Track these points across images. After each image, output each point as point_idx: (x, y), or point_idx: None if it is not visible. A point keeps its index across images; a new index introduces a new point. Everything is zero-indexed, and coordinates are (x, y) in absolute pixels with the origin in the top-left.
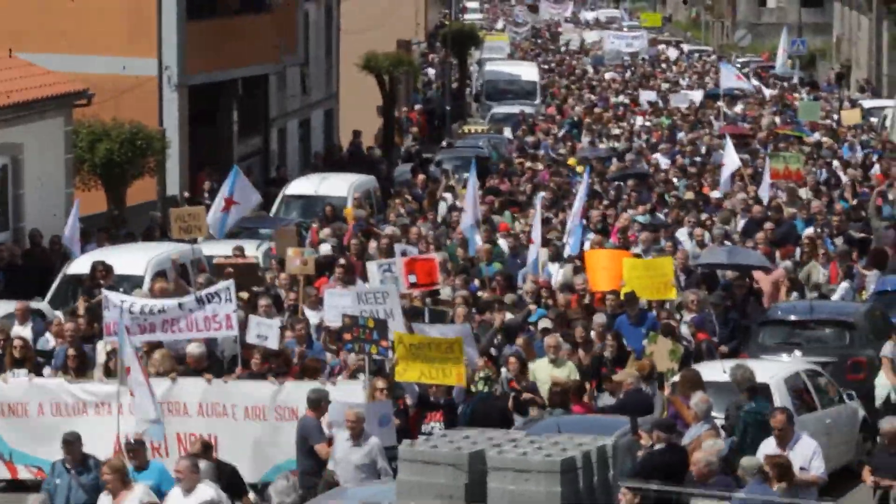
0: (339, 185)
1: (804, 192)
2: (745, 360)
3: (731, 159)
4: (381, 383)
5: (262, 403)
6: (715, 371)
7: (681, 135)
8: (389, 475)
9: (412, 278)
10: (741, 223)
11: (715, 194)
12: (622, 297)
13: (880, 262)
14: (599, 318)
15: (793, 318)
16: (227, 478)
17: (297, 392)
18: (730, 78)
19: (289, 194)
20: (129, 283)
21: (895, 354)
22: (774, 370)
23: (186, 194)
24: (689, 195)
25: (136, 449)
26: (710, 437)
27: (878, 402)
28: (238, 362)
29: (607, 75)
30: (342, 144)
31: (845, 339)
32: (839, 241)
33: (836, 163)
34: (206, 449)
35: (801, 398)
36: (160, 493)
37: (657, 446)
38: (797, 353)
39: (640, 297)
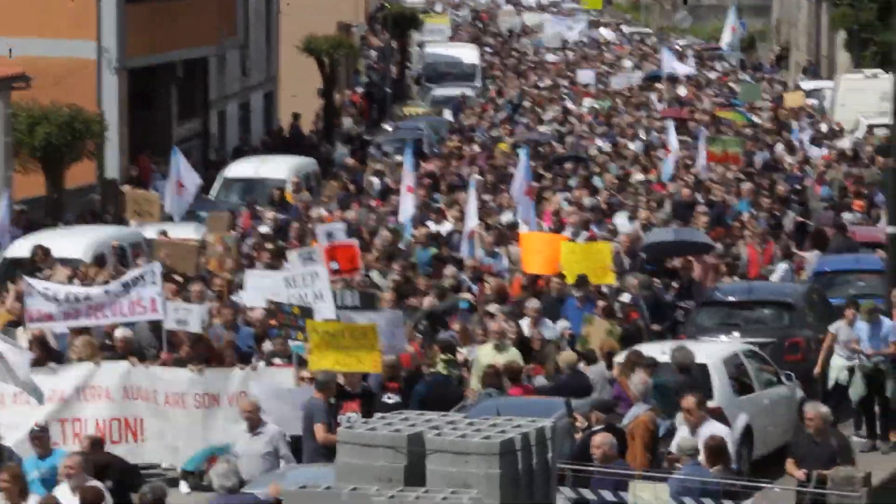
0: (278, 168)
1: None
2: (684, 341)
3: (673, 144)
4: (305, 371)
5: (182, 390)
6: (654, 352)
7: (620, 118)
8: (292, 462)
9: (334, 265)
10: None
11: (638, 178)
12: (571, 281)
13: (820, 243)
14: (533, 304)
15: (731, 298)
16: (118, 475)
17: (217, 380)
18: (670, 61)
19: (228, 177)
20: (70, 267)
21: (847, 335)
22: (713, 351)
23: (134, 173)
24: (638, 177)
25: (39, 436)
26: (649, 417)
27: (830, 383)
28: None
29: (548, 57)
30: (283, 127)
31: (784, 320)
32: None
33: (780, 146)
34: (95, 445)
35: (740, 379)
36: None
37: (596, 427)
38: (735, 333)
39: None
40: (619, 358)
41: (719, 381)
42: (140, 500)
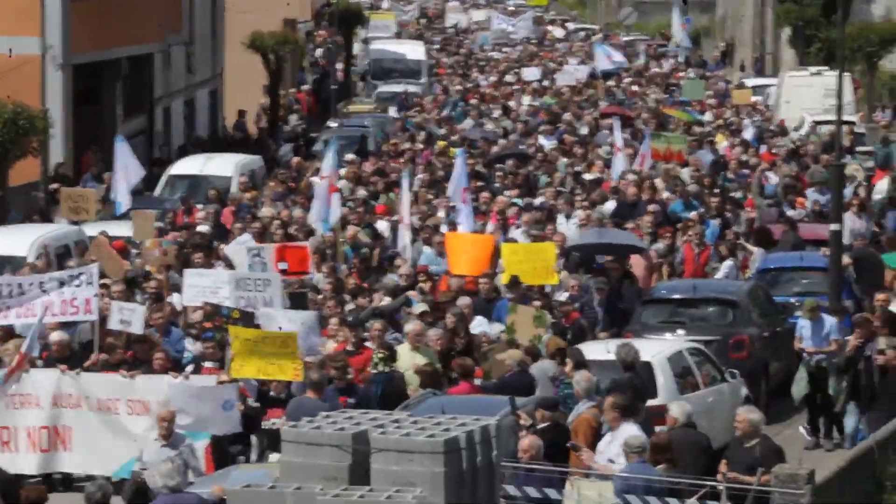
0: (224, 166)
1: (686, 173)
2: (629, 338)
3: (618, 142)
4: (224, 375)
5: (115, 396)
6: (598, 349)
7: (566, 115)
8: (201, 473)
9: (283, 265)
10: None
11: (588, 176)
12: (504, 282)
13: (763, 241)
14: (464, 301)
15: (676, 296)
16: (3, 487)
17: (148, 386)
18: (604, 59)
19: (173, 174)
20: (12, 265)
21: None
22: (657, 349)
23: (61, 171)
24: (588, 176)
25: None
26: (592, 414)
27: (797, 397)
28: (94, 349)
29: (495, 55)
30: (228, 124)
31: (728, 318)
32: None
33: (725, 143)
34: None
35: (684, 377)
36: None
37: (541, 425)
38: (680, 331)
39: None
40: None
41: (664, 379)
42: (87, 499)
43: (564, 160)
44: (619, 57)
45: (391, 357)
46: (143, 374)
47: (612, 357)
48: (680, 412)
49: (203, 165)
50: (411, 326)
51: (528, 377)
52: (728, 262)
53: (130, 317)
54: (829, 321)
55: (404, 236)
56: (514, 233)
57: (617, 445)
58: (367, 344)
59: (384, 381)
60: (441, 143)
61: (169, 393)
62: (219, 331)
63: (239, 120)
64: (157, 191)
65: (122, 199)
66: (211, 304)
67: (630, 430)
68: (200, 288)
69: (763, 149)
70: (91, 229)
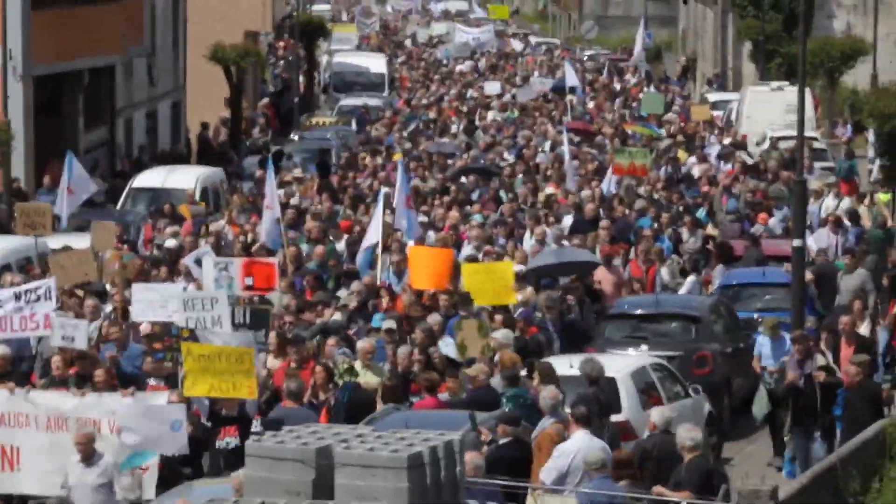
0: (186, 178)
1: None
2: (592, 353)
3: (567, 156)
4: (174, 395)
5: (65, 414)
6: (562, 364)
7: (526, 131)
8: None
9: (249, 280)
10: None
11: (548, 190)
12: (479, 302)
13: (725, 256)
14: (434, 318)
15: (639, 311)
16: None
17: (98, 404)
18: (573, 74)
19: (135, 187)
20: None
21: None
22: (621, 364)
23: (15, 186)
24: (548, 191)
25: None
26: (556, 430)
27: (758, 416)
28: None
29: (459, 67)
30: (190, 136)
31: (691, 333)
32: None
33: (692, 158)
34: None
35: (648, 392)
36: None
37: (502, 440)
38: (643, 346)
39: (479, 302)
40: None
41: (627, 394)
42: None
43: (525, 176)
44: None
45: (352, 368)
46: (92, 391)
47: (575, 372)
48: (659, 418)
49: (165, 178)
50: (363, 344)
51: (493, 392)
52: (690, 278)
53: (73, 332)
54: (788, 343)
55: (365, 252)
56: (466, 248)
57: (566, 458)
58: (324, 362)
59: (351, 389)
60: (396, 156)
61: (117, 411)
62: (168, 350)
63: (202, 132)
64: (119, 204)
65: (62, 213)
66: (159, 323)
67: (585, 442)
68: (148, 302)
69: (724, 165)
70: (54, 242)
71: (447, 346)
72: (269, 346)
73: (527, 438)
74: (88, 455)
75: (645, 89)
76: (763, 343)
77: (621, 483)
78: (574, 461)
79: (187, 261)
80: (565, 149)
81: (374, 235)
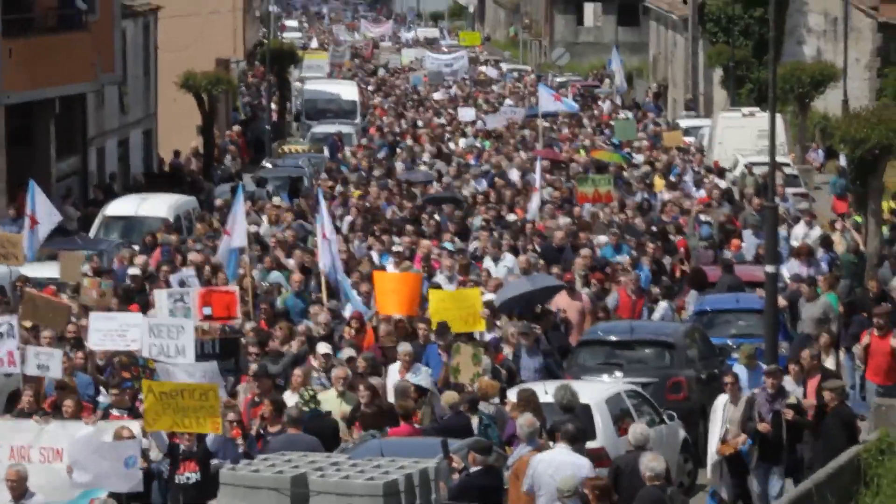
0: (159, 206)
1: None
2: (567, 380)
3: (537, 184)
4: (126, 431)
5: (27, 444)
6: (537, 391)
7: (496, 158)
8: None
9: (207, 310)
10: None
11: (510, 217)
12: (433, 327)
13: (698, 282)
14: (404, 348)
15: (613, 338)
16: None
17: (60, 433)
18: (548, 100)
19: (108, 215)
20: None
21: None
22: (595, 391)
23: None
24: (510, 217)
25: None
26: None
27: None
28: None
29: (434, 95)
30: (162, 164)
31: (665, 360)
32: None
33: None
34: None
35: (623, 419)
36: None
37: (473, 469)
38: (618, 373)
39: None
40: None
41: (602, 421)
42: None
43: (495, 204)
44: (566, 103)
45: (315, 397)
46: (56, 420)
47: (550, 399)
48: (636, 436)
49: (138, 207)
50: (338, 372)
51: (465, 419)
52: (663, 304)
53: (48, 361)
54: (742, 373)
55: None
56: (439, 278)
57: (543, 467)
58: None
59: (308, 419)
60: (356, 193)
61: (69, 449)
62: (136, 380)
63: (175, 160)
64: (92, 232)
65: (27, 247)
66: (125, 353)
67: (563, 456)
68: (106, 331)
69: (697, 192)
70: (31, 270)
71: (418, 376)
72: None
73: (498, 466)
74: (19, 495)
75: (619, 115)
76: (739, 371)
77: None
78: (546, 471)
79: (172, 281)
80: (536, 176)
81: (323, 264)
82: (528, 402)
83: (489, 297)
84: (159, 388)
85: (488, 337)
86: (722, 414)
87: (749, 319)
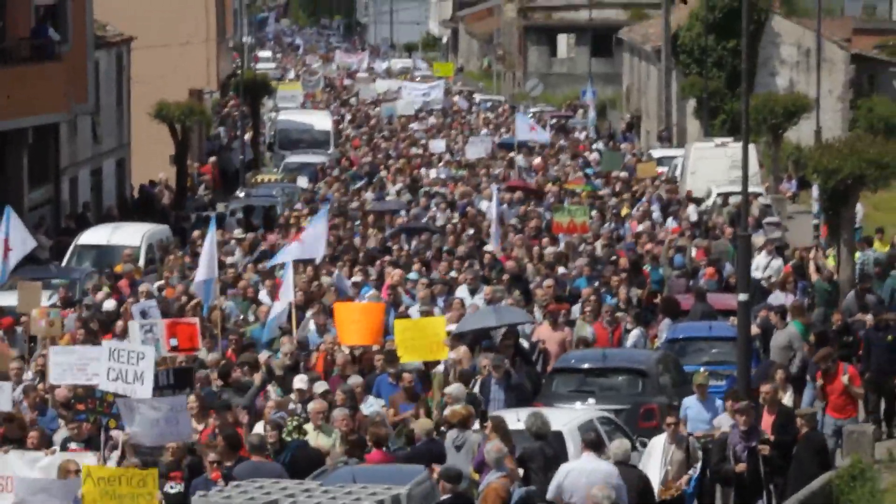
0: (131, 235)
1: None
2: (539, 408)
3: (493, 213)
4: (72, 465)
5: None
6: (510, 418)
7: (467, 188)
8: None
9: (173, 342)
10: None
11: (488, 247)
12: (408, 358)
13: (671, 311)
14: (355, 380)
15: (586, 365)
16: None
17: (12, 463)
18: (524, 130)
19: (81, 244)
20: None
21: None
22: (568, 418)
23: None
24: (488, 248)
25: None
26: (501, 484)
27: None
28: None
29: (412, 125)
30: (135, 194)
31: (638, 387)
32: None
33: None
34: None
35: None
36: None
37: (443, 497)
38: (590, 400)
39: (410, 358)
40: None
41: (574, 447)
42: None
43: (467, 234)
44: (542, 133)
45: (300, 427)
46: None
47: (521, 426)
48: (616, 450)
49: (111, 235)
50: (315, 405)
51: (439, 446)
52: (635, 332)
53: None
54: (717, 403)
55: (279, 311)
56: (411, 309)
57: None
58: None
59: (294, 448)
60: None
61: (16, 487)
62: (91, 413)
63: (147, 187)
64: (65, 261)
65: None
66: (83, 386)
67: (591, 463)
68: (67, 365)
69: (671, 221)
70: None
71: (370, 407)
72: (190, 409)
73: (469, 494)
74: None
75: (594, 147)
76: (688, 405)
77: None
78: (576, 480)
79: (134, 311)
80: (493, 207)
81: (285, 296)
82: (497, 428)
83: (450, 327)
84: (98, 473)
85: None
86: (662, 455)
87: (722, 347)
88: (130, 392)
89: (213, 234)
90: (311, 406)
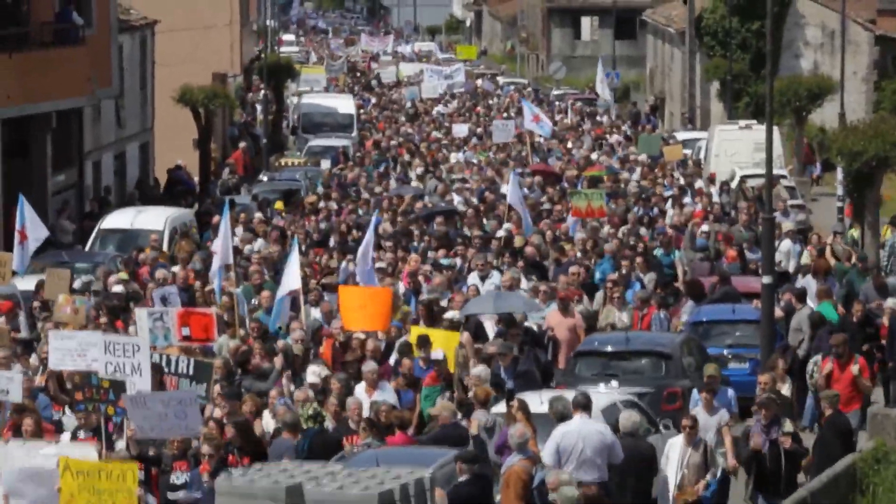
0: (155, 220)
1: (606, 231)
2: (562, 391)
3: (512, 198)
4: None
5: None
6: (533, 402)
7: (488, 172)
8: None
9: (185, 331)
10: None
11: (500, 233)
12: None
13: (695, 293)
14: (369, 366)
15: (609, 348)
16: None
17: (13, 453)
18: (529, 119)
19: (104, 228)
20: None
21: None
22: (592, 401)
23: None
24: (501, 233)
25: None
26: (523, 467)
27: None
28: None
29: (437, 109)
30: (158, 178)
31: (661, 370)
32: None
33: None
34: None
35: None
36: None
37: (461, 478)
38: (614, 383)
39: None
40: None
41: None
42: None
43: (487, 219)
44: (546, 123)
45: (320, 415)
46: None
47: (545, 409)
48: (626, 423)
49: (134, 219)
50: (299, 395)
51: (462, 428)
52: (659, 315)
53: (8, 385)
54: (728, 394)
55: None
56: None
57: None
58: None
59: (312, 436)
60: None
61: (5, 476)
62: (90, 402)
63: (176, 171)
64: (88, 245)
65: (17, 262)
66: (80, 373)
67: (583, 424)
68: (66, 350)
69: (693, 204)
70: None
71: (384, 393)
72: (214, 399)
73: (487, 474)
74: None
75: (622, 129)
76: (699, 397)
77: None
78: (572, 442)
79: (154, 297)
80: (512, 190)
81: (292, 282)
82: (520, 411)
83: (452, 314)
84: (76, 466)
85: (440, 354)
86: (678, 458)
87: (745, 330)
88: (129, 384)
89: (227, 221)
90: (296, 394)
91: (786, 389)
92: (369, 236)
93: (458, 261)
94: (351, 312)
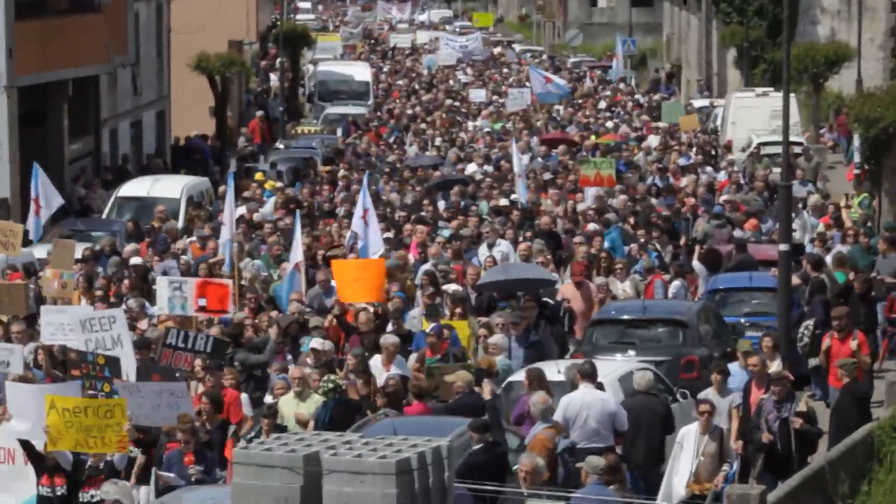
0: (171, 187)
1: (618, 201)
2: (579, 359)
3: (519, 167)
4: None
5: None
6: (550, 370)
7: (503, 141)
8: None
9: (202, 301)
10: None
11: (503, 202)
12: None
13: (712, 262)
14: (390, 339)
15: (626, 317)
16: None
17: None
18: (539, 84)
19: (121, 196)
20: None
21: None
22: (608, 369)
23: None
24: (504, 202)
25: None
26: (548, 435)
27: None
28: None
29: (459, 77)
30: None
31: (678, 338)
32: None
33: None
34: None
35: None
36: None
37: (474, 447)
38: (631, 352)
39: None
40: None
41: (615, 399)
42: None
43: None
44: (559, 84)
45: (339, 387)
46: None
47: (562, 378)
48: (640, 381)
49: (150, 188)
50: (293, 372)
51: (478, 398)
52: (676, 283)
53: (8, 357)
54: (739, 376)
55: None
56: (426, 265)
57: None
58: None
59: (332, 407)
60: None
61: (8, 395)
62: (86, 378)
63: (194, 140)
64: (105, 213)
65: (31, 230)
66: (75, 350)
67: (589, 394)
68: (57, 325)
69: (720, 174)
70: (37, 254)
71: (401, 369)
72: (197, 373)
73: (500, 441)
74: None
75: (638, 98)
76: (734, 372)
77: (611, 488)
78: (576, 411)
79: (157, 271)
80: (515, 159)
81: (296, 255)
82: (538, 380)
83: (454, 287)
84: (62, 403)
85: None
86: (693, 446)
87: (762, 298)
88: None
89: (231, 192)
90: (290, 372)
91: (774, 368)
92: (363, 197)
93: (468, 230)
94: (346, 285)
